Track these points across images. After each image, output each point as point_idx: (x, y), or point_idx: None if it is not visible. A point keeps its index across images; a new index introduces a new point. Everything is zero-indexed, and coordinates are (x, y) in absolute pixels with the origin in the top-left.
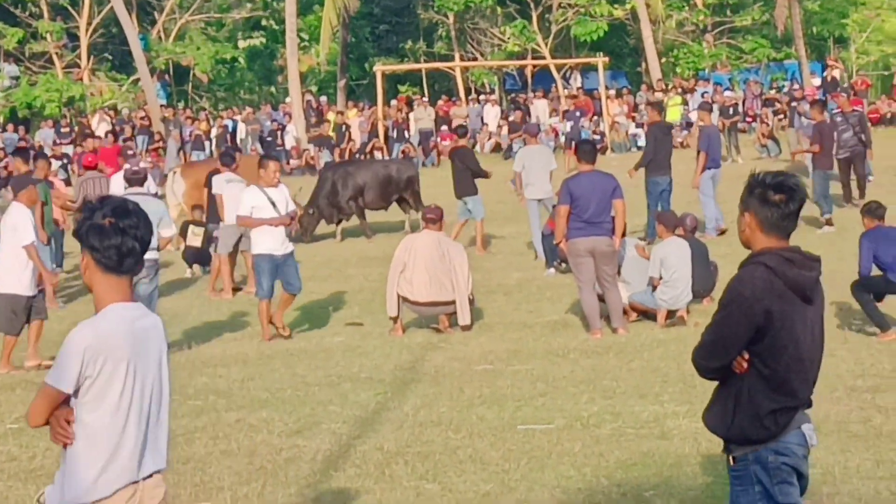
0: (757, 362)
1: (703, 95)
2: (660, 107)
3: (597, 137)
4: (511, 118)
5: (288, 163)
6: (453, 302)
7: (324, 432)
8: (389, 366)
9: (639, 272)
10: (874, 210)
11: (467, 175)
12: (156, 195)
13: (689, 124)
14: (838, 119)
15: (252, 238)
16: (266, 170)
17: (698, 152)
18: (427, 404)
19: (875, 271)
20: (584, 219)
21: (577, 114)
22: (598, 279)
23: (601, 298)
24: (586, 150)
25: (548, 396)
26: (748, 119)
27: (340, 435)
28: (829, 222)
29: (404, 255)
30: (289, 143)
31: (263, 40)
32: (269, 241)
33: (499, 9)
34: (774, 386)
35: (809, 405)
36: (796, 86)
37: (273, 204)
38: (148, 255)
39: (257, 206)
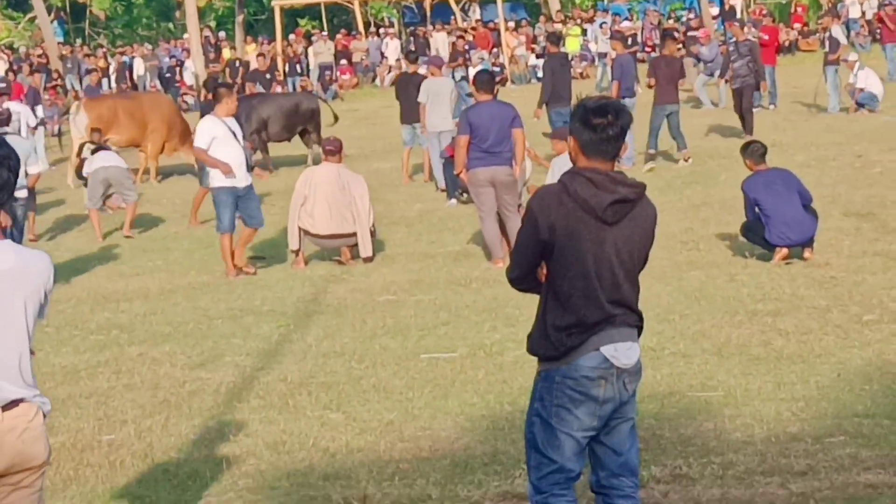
0: (551, 276)
1: (601, 26)
2: (557, 38)
3: (497, 69)
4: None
5: (184, 100)
6: (355, 234)
7: (227, 365)
8: (292, 298)
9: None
10: (754, 151)
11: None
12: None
13: (589, 55)
14: (730, 48)
15: (210, 171)
16: (225, 100)
17: (611, 81)
18: (330, 335)
19: None
20: (484, 148)
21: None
22: (500, 208)
23: (503, 227)
24: (484, 79)
25: (450, 325)
26: (647, 49)
27: (244, 367)
28: (685, 158)
29: (304, 188)
30: (188, 79)
31: None
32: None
33: None
34: (560, 302)
35: (633, 326)
36: (692, 15)
37: (234, 134)
38: (17, 193)
39: (218, 136)
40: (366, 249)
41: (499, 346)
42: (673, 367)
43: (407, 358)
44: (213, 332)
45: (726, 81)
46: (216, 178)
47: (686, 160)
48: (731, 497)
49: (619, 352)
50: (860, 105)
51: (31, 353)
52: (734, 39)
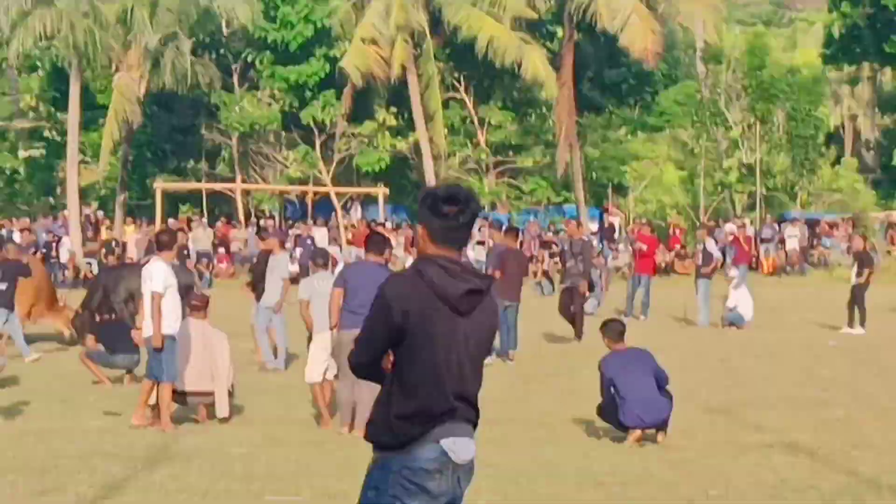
0: (398, 365)
1: (479, 231)
2: None
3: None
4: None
5: (63, 275)
6: (213, 392)
7: (69, 495)
8: (142, 443)
9: None
10: (612, 329)
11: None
12: None
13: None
14: (563, 247)
15: (151, 320)
16: (172, 245)
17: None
18: (176, 476)
19: None
20: (352, 308)
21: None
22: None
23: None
24: (376, 240)
25: (299, 475)
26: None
27: (85, 497)
28: (511, 357)
29: None
30: (63, 255)
31: (44, 151)
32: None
33: (283, 133)
34: (406, 391)
35: (471, 422)
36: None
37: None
38: None
39: (170, 284)
40: (222, 409)
41: (343, 495)
42: None
43: (252, 499)
44: (59, 469)
45: (562, 282)
46: (165, 326)
47: (511, 359)
48: None
49: (458, 446)
50: (730, 323)
51: None
52: (569, 238)
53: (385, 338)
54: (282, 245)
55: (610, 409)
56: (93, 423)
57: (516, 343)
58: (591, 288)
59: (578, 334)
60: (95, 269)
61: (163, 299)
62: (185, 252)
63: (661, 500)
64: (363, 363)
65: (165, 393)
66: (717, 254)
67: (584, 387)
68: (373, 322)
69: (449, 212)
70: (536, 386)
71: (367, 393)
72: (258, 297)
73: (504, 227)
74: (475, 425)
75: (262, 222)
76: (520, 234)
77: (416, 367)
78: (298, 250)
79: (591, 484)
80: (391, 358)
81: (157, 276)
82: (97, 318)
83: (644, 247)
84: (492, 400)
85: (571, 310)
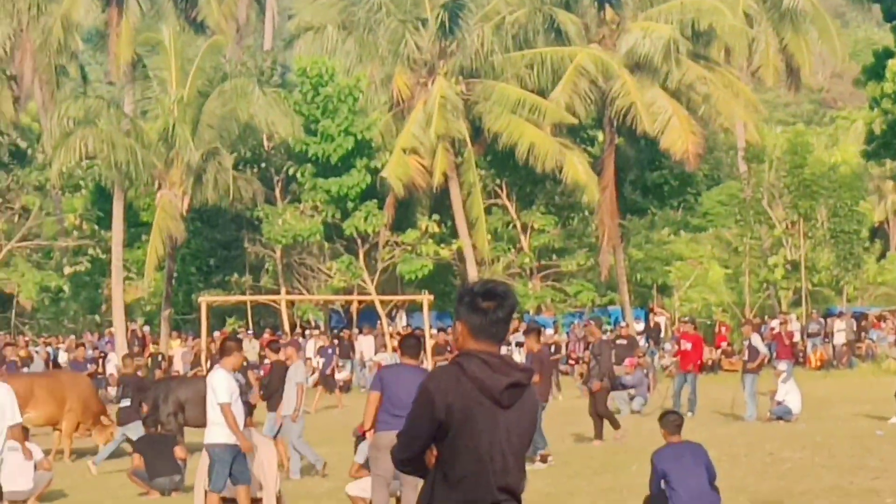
0: (441, 458)
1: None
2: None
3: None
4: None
5: (107, 390)
6: (261, 500)
7: None
8: None
9: None
10: (670, 422)
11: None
12: None
13: None
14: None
15: (215, 427)
16: (235, 353)
17: None
18: None
19: None
20: (393, 412)
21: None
22: (401, 476)
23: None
24: (411, 343)
25: None
26: (570, 362)
27: None
28: (543, 458)
29: None
30: (109, 370)
31: (89, 265)
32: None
33: (326, 244)
34: (450, 484)
35: None
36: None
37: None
38: None
39: (234, 392)
40: None
41: None
42: None
43: None
44: None
45: (584, 383)
46: (220, 435)
47: (541, 461)
48: None
49: None
50: (778, 417)
51: None
52: (589, 339)
53: (428, 432)
54: (297, 351)
55: (659, 503)
56: None
57: (545, 442)
58: (614, 386)
59: (598, 435)
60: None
61: (232, 407)
62: (246, 363)
63: None
64: (407, 458)
65: (212, 502)
66: (763, 349)
67: (630, 483)
68: (416, 417)
69: (487, 307)
70: (582, 483)
71: (411, 491)
72: (271, 408)
73: (524, 329)
74: None
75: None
76: (541, 333)
77: (459, 460)
78: (321, 360)
79: None
80: (434, 452)
81: (221, 386)
82: (142, 431)
83: (689, 345)
84: (538, 497)
85: (597, 410)
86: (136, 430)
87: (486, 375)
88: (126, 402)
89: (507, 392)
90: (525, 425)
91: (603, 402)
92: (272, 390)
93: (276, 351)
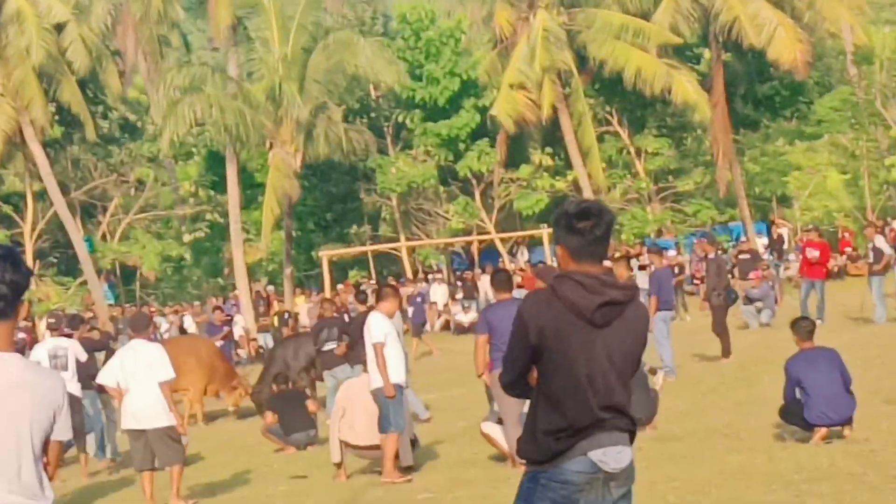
0: (541, 380)
1: (638, 258)
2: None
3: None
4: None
5: (237, 354)
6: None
7: None
8: (331, 499)
9: None
10: (802, 328)
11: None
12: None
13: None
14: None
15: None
16: (390, 299)
17: (649, 296)
18: None
19: None
20: (503, 348)
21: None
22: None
23: None
24: (502, 278)
25: None
26: (694, 281)
27: None
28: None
29: (343, 401)
30: (237, 332)
31: (208, 231)
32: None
33: (441, 188)
34: (550, 406)
35: (624, 430)
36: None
37: (397, 333)
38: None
39: (390, 333)
40: (406, 458)
41: None
42: None
43: None
44: None
45: (704, 300)
46: (392, 375)
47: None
48: None
49: (609, 456)
50: None
51: (45, 468)
52: (704, 256)
53: (526, 355)
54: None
55: (794, 410)
56: (280, 488)
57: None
58: (732, 300)
59: (725, 353)
60: (270, 343)
61: (385, 349)
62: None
63: (849, 493)
64: (510, 381)
65: (391, 443)
66: (888, 250)
67: (763, 395)
68: (513, 341)
69: (584, 227)
70: (716, 399)
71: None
72: (351, 361)
73: (612, 256)
74: (631, 432)
75: (425, 276)
76: (629, 261)
77: (557, 381)
78: (410, 309)
79: (780, 484)
80: (535, 374)
81: (376, 326)
82: (274, 389)
83: (816, 253)
84: (673, 416)
85: (716, 327)
86: (342, 372)
87: (579, 296)
88: (331, 345)
89: (599, 311)
90: (629, 343)
91: (720, 319)
92: (353, 341)
93: (363, 302)
